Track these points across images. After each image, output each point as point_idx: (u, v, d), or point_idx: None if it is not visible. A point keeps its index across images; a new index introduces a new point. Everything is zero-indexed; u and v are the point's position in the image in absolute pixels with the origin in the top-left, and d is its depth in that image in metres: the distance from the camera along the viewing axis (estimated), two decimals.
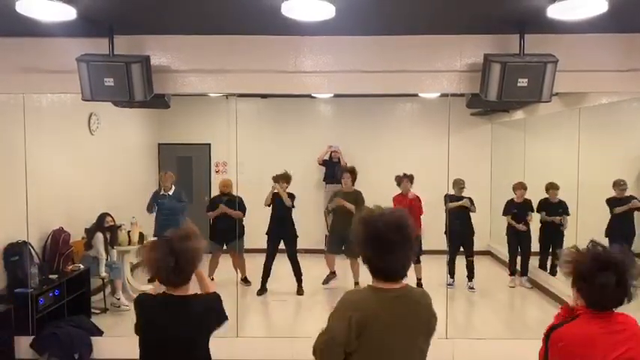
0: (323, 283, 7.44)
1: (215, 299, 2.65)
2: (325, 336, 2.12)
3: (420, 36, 4.73)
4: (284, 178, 7.27)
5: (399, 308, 2.13)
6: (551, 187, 7.37)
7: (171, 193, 7.59)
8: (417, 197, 7.19)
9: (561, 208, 7.30)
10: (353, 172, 7.30)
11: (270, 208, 7.35)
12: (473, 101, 4.92)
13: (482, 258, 7.65)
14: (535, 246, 7.57)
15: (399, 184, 7.22)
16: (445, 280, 6.86)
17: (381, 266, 2.13)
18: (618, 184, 6.66)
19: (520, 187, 7.55)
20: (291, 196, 7.36)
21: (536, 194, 7.54)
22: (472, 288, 7.44)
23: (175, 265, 2.43)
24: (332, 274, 7.48)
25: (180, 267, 2.45)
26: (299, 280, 7.33)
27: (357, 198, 7.10)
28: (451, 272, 7.42)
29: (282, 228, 7.31)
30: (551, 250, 7.49)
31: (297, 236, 7.40)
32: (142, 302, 2.60)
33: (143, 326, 2.56)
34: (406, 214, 2.17)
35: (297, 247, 7.48)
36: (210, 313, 2.58)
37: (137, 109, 6.67)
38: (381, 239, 2.08)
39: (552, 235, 7.37)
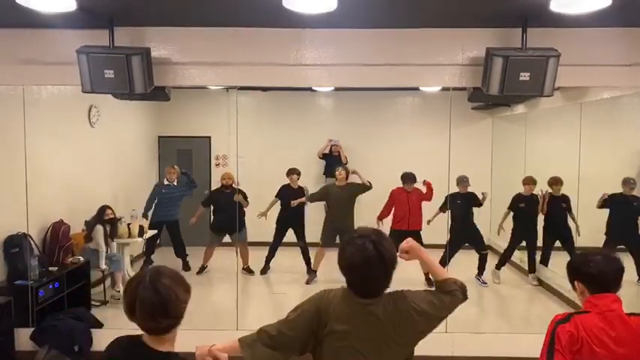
0: (306, 283, 7.35)
1: None
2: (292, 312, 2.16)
3: (421, 29, 4.70)
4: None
5: (365, 316, 2.08)
6: (555, 182, 7.20)
7: (175, 183, 7.81)
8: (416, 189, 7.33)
9: (565, 203, 7.13)
10: (346, 169, 7.62)
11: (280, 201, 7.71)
12: (474, 95, 4.91)
13: None
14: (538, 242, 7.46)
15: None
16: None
17: (355, 283, 2.11)
18: (628, 183, 6.55)
19: (529, 181, 7.41)
20: (302, 190, 7.68)
21: (537, 188, 7.48)
22: (484, 282, 7.40)
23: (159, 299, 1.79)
24: (314, 274, 7.42)
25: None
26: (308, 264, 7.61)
27: (351, 190, 7.40)
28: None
29: (292, 218, 7.63)
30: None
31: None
32: None
33: None
34: (379, 238, 2.07)
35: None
36: None
37: (137, 101, 6.65)
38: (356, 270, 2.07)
39: (557, 230, 7.21)
